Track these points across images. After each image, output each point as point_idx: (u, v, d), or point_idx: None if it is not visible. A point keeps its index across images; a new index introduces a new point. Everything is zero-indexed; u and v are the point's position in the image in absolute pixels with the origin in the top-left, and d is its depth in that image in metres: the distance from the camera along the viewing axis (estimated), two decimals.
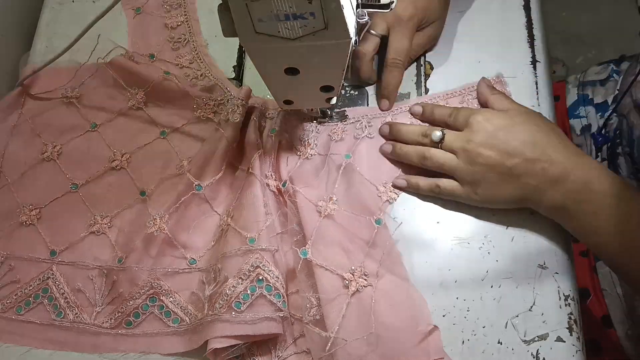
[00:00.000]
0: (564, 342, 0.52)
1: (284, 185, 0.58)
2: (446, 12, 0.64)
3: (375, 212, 0.56)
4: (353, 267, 0.53)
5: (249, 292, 0.52)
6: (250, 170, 0.58)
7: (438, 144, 0.55)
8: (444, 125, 0.57)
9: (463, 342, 0.53)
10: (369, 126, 0.61)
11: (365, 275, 0.53)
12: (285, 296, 0.53)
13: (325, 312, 0.52)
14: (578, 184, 0.50)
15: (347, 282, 0.53)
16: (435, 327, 0.52)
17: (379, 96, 0.62)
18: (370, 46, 0.61)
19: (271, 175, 0.58)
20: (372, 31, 0.60)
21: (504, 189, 0.53)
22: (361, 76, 0.63)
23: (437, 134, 0.55)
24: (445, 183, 0.56)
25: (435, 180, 0.56)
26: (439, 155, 0.55)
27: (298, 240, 0.56)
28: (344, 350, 0.51)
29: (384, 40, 0.61)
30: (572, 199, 0.50)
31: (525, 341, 0.53)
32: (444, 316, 0.54)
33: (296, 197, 0.57)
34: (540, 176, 0.51)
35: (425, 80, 0.63)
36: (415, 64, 0.65)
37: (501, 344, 0.53)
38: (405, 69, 0.62)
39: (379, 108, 0.62)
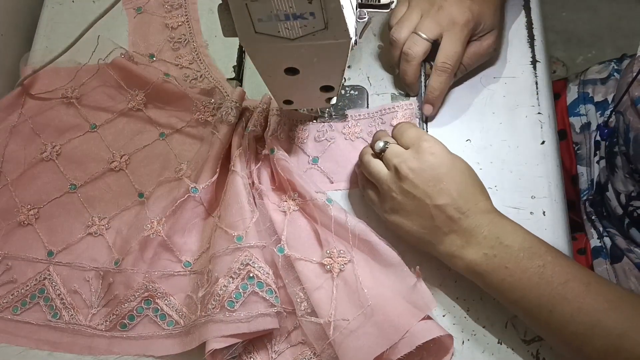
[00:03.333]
0: None
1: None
2: (502, 23, 0.62)
3: (325, 195, 0.57)
4: (328, 251, 0.54)
5: (240, 290, 0.52)
6: (232, 167, 0.58)
7: (380, 154, 0.54)
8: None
9: (463, 342, 0.53)
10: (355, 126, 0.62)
11: (342, 252, 0.54)
12: (277, 291, 0.54)
13: (315, 301, 0.53)
14: (490, 239, 0.49)
15: (328, 267, 0.54)
16: (419, 277, 0.52)
17: (424, 100, 0.61)
18: (419, 49, 0.58)
19: (247, 173, 0.59)
20: (422, 34, 0.58)
21: (415, 223, 0.51)
22: (406, 80, 0.61)
23: (379, 144, 0.54)
24: (367, 190, 0.56)
25: (365, 182, 0.56)
26: (372, 163, 0.54)
27: (277, 238, 0.56)
28: (346, 329, 0.51)
29: (435, 47, 0.59)
30: (484, 254, 0.49)
31: (525, 341, 0.53)
32: (444, 316, 0.54)
33: (262, 199, 0.58)
34: (457, 223, 0.50)
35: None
36: None
37: (501, 344, 0.53)
38: (456, 76, 0.61)
39: (423, 112, 0.61)
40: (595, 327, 0.45)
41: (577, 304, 0.46)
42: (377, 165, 0.54)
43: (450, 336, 0.51)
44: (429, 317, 0.52)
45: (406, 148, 0.53)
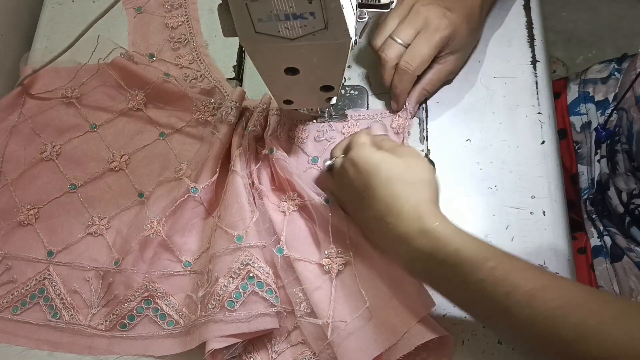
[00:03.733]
0: None
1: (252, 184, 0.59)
2: (471, 46, 0.62)
3: (323, 195, 0.57)
4: (327, 252, 0.54)
5: (240, 290, 0.52)
6: (232, 167, 0.58)
7: (331, 172, 0.55)
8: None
9: (463, 342, 0.53)
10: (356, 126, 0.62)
11: (340, 253, 0.54)
12: (277, 291, 0.54)
13: (314, 302, 0.53)
14: (423, 253, 0.46)
15: (326, 267, 0.54)
16: (418, 281, 0.51)
17: (391, 93, 0.61)
18: (392, 53, 0.58)
19: (248, 173, 0.59)
20: (396, 38, 0.58)
21: (363, 212, 0.51)
22: (384, 83, 0.61)
23: (326, 164, 0.56)
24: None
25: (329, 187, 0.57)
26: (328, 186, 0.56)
27: (276, 238, 0.56)
28: (343, 332, 0.51)
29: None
30: (422, 269, 0.47)
31: None
32: (444, 316, 0.54)
33: (262, 199, 0.57)
34: (385, 235, 0.49)
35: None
36: None
37: (501, 344, 0.53)
38: (420, 102, 0.62)
39: (392, 107, 0.62)
40: (550, 334, 0.42)
41: (524, 315, 0.42)
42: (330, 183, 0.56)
43: (450, 336, 0.51)
44: (428, 318, 0.52)
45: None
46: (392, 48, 0.58)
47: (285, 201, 0.58)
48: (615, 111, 0.68)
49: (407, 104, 0.61)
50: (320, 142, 0.62)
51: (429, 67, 0.60)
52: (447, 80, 0.63)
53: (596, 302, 0.42)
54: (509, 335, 0.47)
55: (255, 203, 0.58)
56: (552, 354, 0.43)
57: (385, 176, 0.48)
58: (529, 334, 0.43)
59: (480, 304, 0.45)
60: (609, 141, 0.71)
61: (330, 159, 0.56)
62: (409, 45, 0.58)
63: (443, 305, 0.55)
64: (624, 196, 0.67)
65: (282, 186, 0.59)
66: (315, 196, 0.56)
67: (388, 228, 0.48)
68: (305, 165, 0.62)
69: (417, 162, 0.50)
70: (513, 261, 0.45)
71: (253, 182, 0.59)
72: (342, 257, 0.54)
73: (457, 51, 0.60)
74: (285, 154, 0.58)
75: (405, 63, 0.58)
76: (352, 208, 0.54)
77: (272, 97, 0.59)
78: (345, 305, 0.52)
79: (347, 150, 0.54)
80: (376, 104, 0.64)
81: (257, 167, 0.59)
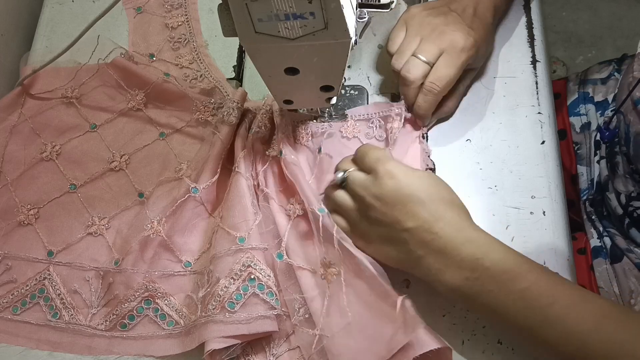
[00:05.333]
0: None
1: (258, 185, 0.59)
2: (485, 59, 0.62)
3: (320, 202, 0.55)
4: (321, 260, 0.54)
5: (241, 291, 0.52)
6: (236, 169, 0.58)
7: (341, 185, 0.53)
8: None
9: (463, 342, 0.53)
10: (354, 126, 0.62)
11: (332, 263, 0.53)
12: (278, 294, 0.54)
13: (312, 310, 0.53)
14: (469, 260, 0.47)
15: (322, 276, 0.53)
16: (404, 296, 0.50)
17: (413, 113, 0.60)
18: (417, 73, 0.56)
19: (252, 175, 0.59)
20: (420, 57, 0.56)
21: (390, 249, 0.50)
22: (407, 103, 0.59)
23: (338, 175, 0.53)
24: (338, 221, 0.53)
25: (333, 209, 0.54)
26: (336, 197, 0.53)
27: (278, 242, 0.56)
28: (334, 345, 0.51)
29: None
30: (465, 278, 0.47)
31: None
32: (444, 316, 0.54)
33: (268, 201, 0.57)
34: (429, 246, 0.48)
35: None
36: None
37: (501, 344, 0.53)
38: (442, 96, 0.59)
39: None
40: (584, 348, 0.44)
41: (560, 328, 0.44)
42: (342, 197, 0.53)
43: (448, 348, 0.50)
44: (404, 297, 0.51)
45: (368, 172, 0.51)
46: (418, 67, 0.56)
47: (292, 204, 0.57)
48: (615, 113, 0.68)
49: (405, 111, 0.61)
50: (318, 138, 0.62)
51: None
52: (490, 62, 0.63)
53: (629, 318, 0.44)
54: (542, 348, 0.47)
55: (259, 205, 0.57)
56: None
57: (428, 189, 0.49)
58: (564, 347, 0.44)
59: (519, 315, 0.46)
60: (608, 143, 0.71)
61: (336, 172, 0.54)
62: (432, 64, 0.56)
63: (443, 305, 0.55)
64: (623, 198, 0.67)
65: (291, 188, 0.58)
66: (314, 202, 0.54)
67: (433, 238, 0.48)
68: (317, 157, 0.61)
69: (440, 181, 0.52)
70: (551, 275, 0.47)
71: (258, 184, 0.59)
72: (334, 268, 0.53)
73: (476, 68, 0.60)
74: (296, 157, 0.58)
75: (431, 84, 0.56)
76: (372, 222, 0.51)
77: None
78: (336, 317, 0.52)
79: (361, 164, 0.52)
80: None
81: (263, 168, 0.59)
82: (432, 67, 0.57)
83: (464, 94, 0.62)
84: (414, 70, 0.56)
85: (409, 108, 0.60)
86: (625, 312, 0.45)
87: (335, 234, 0.53)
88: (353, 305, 0.51)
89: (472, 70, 0.61)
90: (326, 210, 0.54)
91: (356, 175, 0.52)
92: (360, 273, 0.53)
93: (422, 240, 0.48)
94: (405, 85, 0.58)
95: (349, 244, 0.52)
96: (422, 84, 0.57)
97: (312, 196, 0.55)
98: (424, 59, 0.56)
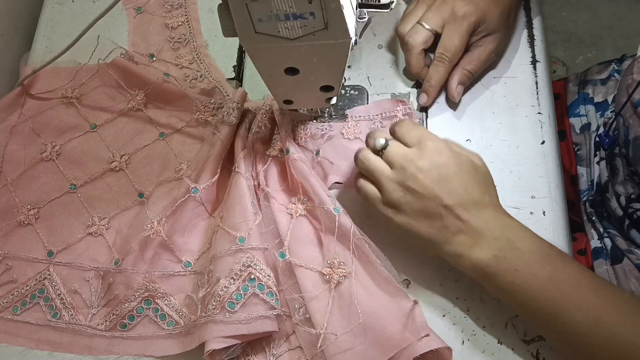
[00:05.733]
0: None
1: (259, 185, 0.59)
2: (508, 27, 0.62)
3: (334, 202, 0.55)
4: (329, 261, 0.54)
5: (241, 291, 0.52)
6: (236, 169, 0.58)
7: (379, 152, 0.52)
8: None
9: (463, 342, 0.53)
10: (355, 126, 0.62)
11: (343, 264, 0.53)
12: (278, 294, 0.53)
13: (311, 310, 0.52)
14: (501, 241, 0.49)
15: (327, 277, 0.53)
16: (415, 302, 0.52)
17: (423, 88, 0.61)
18: (419, 38, 0.59)
19: (252, 175, 0.59)
20: (424, 24, 0.59)
21: (422, 223, 0.50)
22: (410, 70, 0.62)
23: (380, 141, 0.52)
24: (367, 186, 0.53)
25: (360, 179, 0.54)
26: (372, 160, 0.52)
27: (280, 241, 0.56)
28: (334, 345, 0.51)
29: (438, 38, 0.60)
30: (494, 255, 0.48)
31: (525, 341, 0.53)
32: (444, 316, 0.54)
33: (269, 200, 0.57)
34: (467, 223, 0.49)
35: None
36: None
37: (501, 344, 0.53)
38: (464, 84, 0.61)
39: (418, 102, 0.62)
40: (610, 340, 0.45)
41: (591, 314, 0.46)
42: (378, 162, 0.52)
43: (448, 349, 0.50)
44: (415, 302, 0.52)
45: (407, 146, 0.52)
46: (420, 33, 0.59)
47: (294, 203, 0.57)
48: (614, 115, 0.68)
49: (412, 109, 0.61)
50: (318, 139, 0.62)
51: (468, 50, 0.61)
52: (492, 63, 0.63)
53: None
54: (565, 334, 0.48)
55: (259, 205, 0.57)
56: (615, 356, 0.45)
57: (471, 170, 0.51)
58: (592, 338, 0.46)
59: (545, 295, 0.47)
60: (608, 148, 0.71)
61: (373, 139, 0.53)
62: (435, 32, 0.59)
63: (443, 305, 0.55)
64: (623, 200, 0.67)
65: (294, 187, 0.58)
66: (328, 201, 0.54)
67: (470, 217, 0.49)
68: (313, 159, 0.61)
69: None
70: (577, 263, 0.49)
71: (259, 184, 0.59)
72: (343, 269, 0.53)
73: (493, 32, 0.60)
74: (302, 155, 0.58)
75: (441, 54, 0.59)
76: (409, 193, 0.50)
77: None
78: (339, 318, 0.52)
79: (402, 138, 0.52)
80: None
81: (264, 168, 0.59)
82: (435, 35, 0.59)
83: (488, 60, 0.62)
84: (416, 35, 0.59)
85: (412, 75, 0.63)
86: None
87: (351, 235, 0.53)
88: (361, 306, 0.52)
89: (488, 36, 0.60)
90: (341, 209, 0.54)
91: (398, 144, 0.52)
92: (372, 275, 0.53)
93: (459, 217, 0.49)
94: (407, 51, 0.61)
95: (364, 245, 0.53)
96: (424, 50, 0.60)
97: (324, 195, 0.55)
98: (427, 26, 0.59)
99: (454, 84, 0.61)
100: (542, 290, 0.47)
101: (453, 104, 0.63)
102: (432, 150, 0.50)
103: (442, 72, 0.60)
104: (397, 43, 0.64)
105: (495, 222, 0.50)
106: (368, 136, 0.54)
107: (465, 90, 0.63)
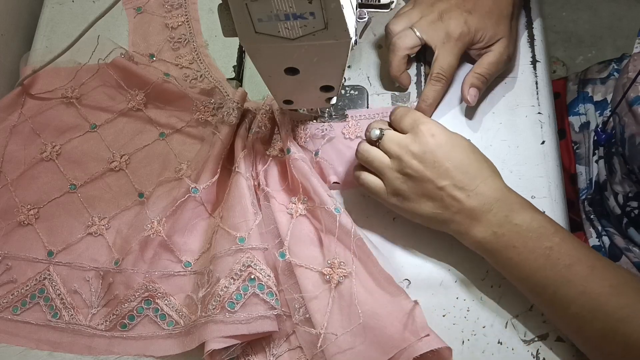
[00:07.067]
0: (564, 342, 0.52)
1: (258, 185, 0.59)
2: (512, 30, 0.61)
3: (335, 201, 0.56)
4: (329, 261, 0.54)
5: (241, 291, 0.52)
6: (236, 169, 0.58)
7: (376, 142, 0.54)
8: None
9: (463, 342, 0.53)
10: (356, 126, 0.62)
11: (343, 264, 0.53)
12: (278, 294, 0.53)
13: (311, 310, 0.52)
14: (499, 217, 0.50)
15: (327, 277, 0.53)
16: (416, 302, 0.52)
17: (417, 107, 0.61)
18: (408, 42, 0.59)
19: (252, 175, 0.59)
20: (415, 31, 0.59)
21: (425, 205, 0.52)
22: (390, 71, 0.62)
23: (375, 132, 0.54)
24: (369, 178, 0.55)
25: (361, 172, 0.56)
26: (371, 152, 0.54)
27: (280, 241, 0.56)
28: (334, 344, 0.51)
29: (426, 49, 0.60)
30: (493, 232, 0.50)
31: (525, 341, 0.53)
32: (444, 316, 0.54)
33: (269, 200, 0.57)
34: (462, 203, 0.51)
35: (426, 80, 0.62)
36: (415, 64, 0.65)
37: (501, 344, 0.53)
38: (480, 90, 0.60)
39: None
40: (595, 311, 0.46)
41: (580, 287, 0.47)
42: (377, 153, 0.54)
43: (448, 349, 0.51)
44: (416, 302, 0.52)
45: (403, 133, 0.53)
46: (410, 38, 0.59)
47: (295, 203, 0.57)
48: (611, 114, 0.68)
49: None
50: (319, 139, 0.62)
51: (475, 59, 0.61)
52: (506, 69, 0.63)
53: None
54: (555, 307, 0.49)
55: (259, 205, 0.57)
56: (595, 332, 0.47)
57: (464, 150, 0.52)
58: (579, 308, 0.47)
59: (541, 272, 0.48)
60: (605, 145, 0.71)
61: (372, 131, 0.54)
62: (424, 43, 0.59)
63: (442, 305, 0.55)
64: (621, 198, 0.67)
65: (294, 187, 0.58)
66: (329, 201, 0.55)
67: (468, 195, 0.50)
68: (312, 160, 0.61)
69: None
70: (576, 240, 0.49)
71: (259, 184, 0.59)
72: (343, 269, 0.53)
73: (495, 40, 0.60)
74: (303, 154, 0.58)
75: (438, 73, 0.59)
76: (408, 179, 0.52)
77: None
78: (339, 318, 0.52)
79: (397, 125, 0.54)
80: (376, 103, 0.64)
81: (264, 168, 0.59)
82: (421, 45, 0.60)
83: (499, 63, 0.60)
84: (405, 39, 0.59)
85: (393, 78, 0.62)
86: None
87: (352, 235, 0.53)
88: (361, 306, 0.52)
89: (492, 45, 0.60)
90: (342, 209, 0.54)
91: (393, 133, 0.54)
92: (373, 275, 0.53)
93: (454, 198, 0.51)
94: (392, 52, 0.60)
95: (365, 245, 0.54)
96: (407, 55, 0.61)
97: (325, 195, 0.55)
98: (418, 33, 0.59)
99: (466, 87, 0.60)
100: (538, 268, 0.48)
101: (470, 108, 0.62)
102: (425, 134, 0.52)
103: (439, 91, 0.60)
104: None
105: (494, 197, 0.50)
106: (366, 129, 0.56)
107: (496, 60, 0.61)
